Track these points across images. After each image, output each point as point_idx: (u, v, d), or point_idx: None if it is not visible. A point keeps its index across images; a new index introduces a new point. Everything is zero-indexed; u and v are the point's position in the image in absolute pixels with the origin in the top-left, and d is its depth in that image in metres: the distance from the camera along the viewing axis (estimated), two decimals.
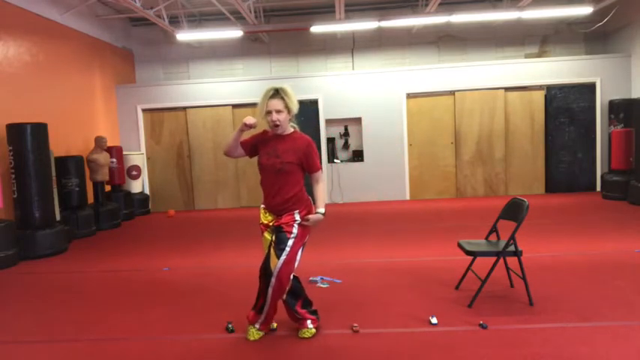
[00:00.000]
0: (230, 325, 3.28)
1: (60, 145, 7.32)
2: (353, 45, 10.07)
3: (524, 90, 9.21)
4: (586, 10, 8.34)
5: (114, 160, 8.43)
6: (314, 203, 3.08)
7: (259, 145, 3.08)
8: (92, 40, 8.68)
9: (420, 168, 9.46)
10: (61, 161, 7.00)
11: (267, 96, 2.91)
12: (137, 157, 9.24)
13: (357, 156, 9.60)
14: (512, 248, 3.48)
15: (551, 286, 3.84)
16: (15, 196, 5.99)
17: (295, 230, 2.96)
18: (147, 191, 9.73)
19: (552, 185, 9.31)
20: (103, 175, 7.81)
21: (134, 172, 9.12)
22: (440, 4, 8.09)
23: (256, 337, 3.11)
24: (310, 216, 2.99)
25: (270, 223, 3.04)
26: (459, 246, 3.65)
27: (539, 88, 9.20)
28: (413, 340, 2.99)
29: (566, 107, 9.13)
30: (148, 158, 9.74)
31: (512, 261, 3.74)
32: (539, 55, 9.87)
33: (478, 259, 3.69)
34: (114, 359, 2.96)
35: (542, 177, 9.33)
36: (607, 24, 9.20)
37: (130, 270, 5.09)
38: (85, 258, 5.81)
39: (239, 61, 10.25)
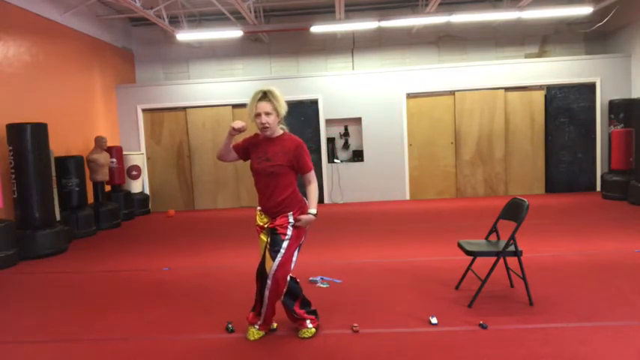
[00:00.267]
0: (230, 325, 3.28)
1: (60, 145, 7.32)
2: (353, 45, 10.07)
3: (524, 90, 9.21)
4: (586, 10, 8.34)
5: (114, 160, 8.43)
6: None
7: (251, 148, 3.09)
8: (92, 40, 8.68)
9: (420, 168, 9.46)
10: (61, 161, 7.00)
11: (255, 98, 2.93)
12: (137, 157, 9.25)
13: (357, 156, 9.60)
14: (512, 248, 3.48)
15: (551, 286, 3.84)
16: (15, 196, 5.99)
17: (289, 232, 2.97)
18: (147, 191, 9.73)
19: (552, 185, 9.31)
20: (103, 175, 7.81)
21: (134, 172, 9.12)
22: (440, 4, 8.09)
23: (256, 337, 3.11)
24: (302, 216, 2.99)
25: (266, 225, 3.05)
26: (459, 246, 3.65)
27: (539, 88, 9.20)
28: (413, 340, 2.99)
29: (566, 107, 9.13)
30: (148, 158, 9.74)
31: (512, 261, 3.74)
32: (539, 55, 9.87)
33: (478, 259, 3.69)
34: (114, 359, 2.96)
35: (542, 177, 9.34)
36: (607, 24, 9.20)
37: (130, 270, 5.09)
38: (85, 258, 5.81)
39: (239, 61, 10.26)
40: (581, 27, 9.63)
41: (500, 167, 9.31)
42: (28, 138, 5.94)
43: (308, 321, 3.13)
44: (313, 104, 9.47)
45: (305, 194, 3.08)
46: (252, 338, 3.10)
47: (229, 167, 9.51)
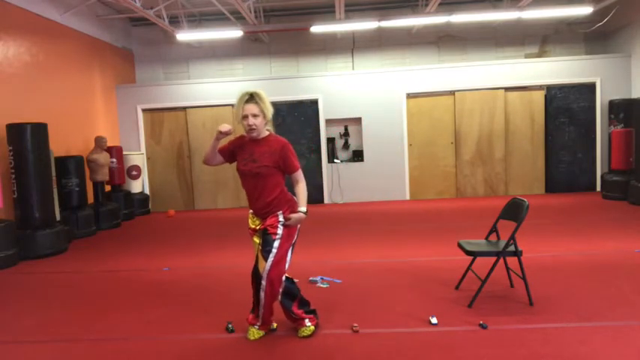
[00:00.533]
0: (230, 325, 3.28)
1: (60, 145, 7.32)
2: (353, 45, 10.07)
3: (524, 90, 9.21)
4: (586, 10, 8.34)
5: (114, 160, 8.43)
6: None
7: (236, 150, 3.10)
8: (92, 40, 8.68)
9: (420, 168, 9.46)
10: (61, 161, 7.00)
11: (242, 100, 2.94)
12: (137, 157, 9.25)
13: (357, 156, 9.60)
14: (512, 248, 3.48)
15: (551, 286, 3.84)
16: (15, 196, 5.99)
17: (280, 231, 2.97)
18: (147, 191, 9.73)
19: (552, 185, 9.31)
20: (103, 175, 7.81)
21: (134, 172, 9.12)
22: (440, 4, 8.09)
23: (256, 336, 3.11)
24: (292, 215, 2.99)
25: (257, 227, 3.06)
26: (459, 246, 3.65)
27: (539, 88, 9.20)
28: (413, 340, 2.99)
29: (566, 107, 9.13)
30: (148, 158, 9.74)
31: (512, 261, 3.74)
32: (539, 55, 9.87)
33: (478, 259, 3.69)
34: (114, 359, 2.96)
35: (542, 177, 9.33)
36: (607, 24, 9.20)
37: (130, 270, 5.09)
38: (85, 258, 5.81)
39: (239, 61, 10.26)
40: (581, 27, 9.63)
41: (500, 167, 9.31)
42: (28, 138, 5.94)
43: (307, 320, 3.13)
44: (313, 104, 9.47)
45: (294, 194, 3.08)
46: (252, 338, 3.10)
47: (229, 167, 9.47)
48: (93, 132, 8.48)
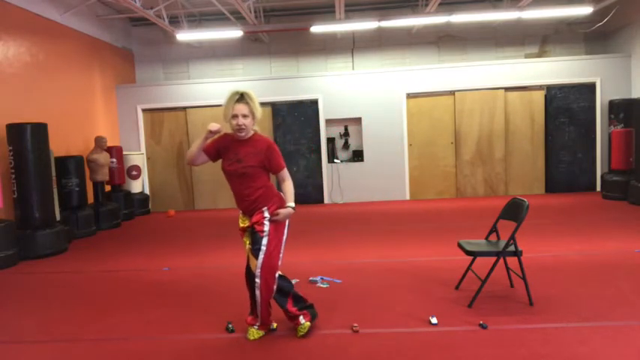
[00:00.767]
0: (230, 325, 3.28)
1: (60, 145, 7.32)
2: (353, 45, 10.07)
3: (524, 90, 9.21)
4: (586, 10, 8.34)
5: (114, 160, 8.43)
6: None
7: (221, 150, 3.09)
8: (92, 40, 8.68)
9: (420, 168, 9.46)
10: (61, 161, 7.00)
11: (232, 100, 2.93)
12: (137, 157, 9.25)
13: (357, 156, 9.60)
14: (512, 248, 3.48)
15: (551, 286, 3.84)
16: (15, 196, 5.99)
17: (267, 228, 2.97)
18: (147, 191, 9.73)
19: (552, 185, 9.31)
20: (103, 175, 7.81)
21: (134, 172, 9.12)
22: (440, 4, 8.09)
23: (256, 336, 3.11)
24: (280, 210, 2.99)
25: (246, 226, 3.07)
26: (459, 246, 3.65)
27: (539, 88, 9.20)
28: (413, 340, 2.99)
29: (566, 107, 9.13)
30: (148, 158, 9.74)
31: (512, 261, 3.74)
32: (539, 55, 9.87)
33: (478, 259, 3.69)
34: (114, 359, 2.96)
35: (542, 177, 9.33)
36: (607, 24, 9.20)
37: (130, 270, 5.09)
38: (85, 258, 5.81)
39: (239, 61, 10.26)
40: (581, 27, 9.63)
41: (500, 167, 9.31)
42: (28, 138, 5.94)
43: (301, 317, 3.13)
44: (313, 104, 9.47)
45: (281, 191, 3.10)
46: (252, 338, 3.10)
47: None
48: (93, 132, 8.48)
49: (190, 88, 9.60)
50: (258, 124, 3.08)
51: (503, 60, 9.51)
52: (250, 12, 8.48)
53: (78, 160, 7.19)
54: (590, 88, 9.08)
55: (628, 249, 4.89)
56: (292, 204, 3.02)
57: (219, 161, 3.16)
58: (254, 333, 3.12)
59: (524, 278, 3.47)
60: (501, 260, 3.67)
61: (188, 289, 4.30)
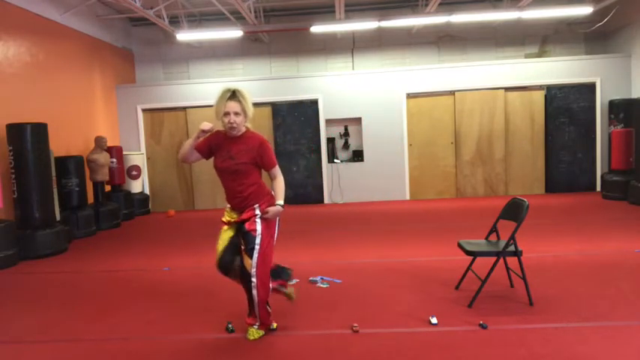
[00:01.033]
0: (230, 325, 3.28)
1: (60, 145, 7.32)
2: (353, 45, 10.07)
3: (524, 90, 9.21)
4: (586, 10, 8.34)
5: (114, 160, 8.43)
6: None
7: (213, 147, 3.10)
8: (92, 40, 8.68)
9: (420, 168, 9.46)
10: (61, 161, 7.00)
11: (224, 97, 2.93)
12: (137, 157, 9.25)
13: (357, 156, 9.60)
14: (512, 248, 3.48)
15: (551, 286, 3.84)
16: (15, 196, 5.99)
17: (258, 227, 2.99)
18: (147, 191, 9.73)
19: (552, 185, 9.31)
20: (103, 175, 7.81)
21: (134, 172, 9.12)
22: (440, 4, 8.09)
23: (256, 336, 3.11)
24: (270, 208, 3.01)
25: (232, 220, 3.08)
26: (459, 246, 3.65)
27: (539, 88, 9.20)
28: (413, 340, 2.99)
29: (566, 107, 9.13)
30: (148, 158, 9.74)
31: (512, 261, 3.74)
32: (539, 55, 9.87)
33: (478, 259, 3.69)
34: (114, 359, 2.96)
35: (542, 177, 9.33)
36: (607, 24, 9.20)
37: (130, 270, 5.09)
38: (85, 258, 5.81)
39: (239, 61, 10.26)
40: (581, 27, 9.63)
41: (500, 167, 9.31)
42: (28, 138, 5.94)
43: (278, 286, 3.21)
44: (313, 104, 9.47)
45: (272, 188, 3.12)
46: (251, 338, 3.10)
47: None
48: (93, 132, 8.48)
49: (190, 88, 9.60)
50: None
51: (503, 60, 9.50)
52: (250, 12, 8.48)
53: (78, 160, 7.19)
54: (590, 88, 9.08)
55: (628, 249, 4.89)
56: (281, 202, 3.04)
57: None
58: (254, 333, 3.12)
59: (524, 278, 3.47)
60: (501, 260, 3.67)
61: (188, 289, 4.31)
